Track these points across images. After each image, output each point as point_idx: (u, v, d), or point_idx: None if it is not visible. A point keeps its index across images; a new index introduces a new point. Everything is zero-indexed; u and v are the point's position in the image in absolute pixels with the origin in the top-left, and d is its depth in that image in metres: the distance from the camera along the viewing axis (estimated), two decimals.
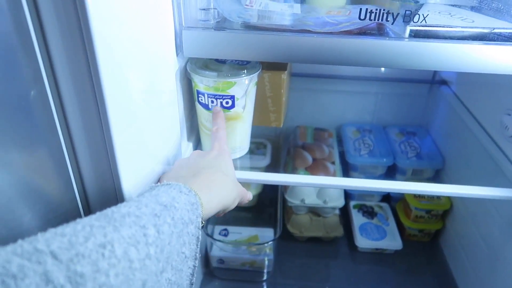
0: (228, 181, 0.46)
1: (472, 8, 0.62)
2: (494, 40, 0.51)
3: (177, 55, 0.54)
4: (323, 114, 1.13)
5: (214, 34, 0.53)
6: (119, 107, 0.36)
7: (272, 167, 1.01)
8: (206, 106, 0.63)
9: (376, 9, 0.50)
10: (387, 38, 0.51)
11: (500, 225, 0.73)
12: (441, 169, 0.98)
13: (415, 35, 0.52)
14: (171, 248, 0.32)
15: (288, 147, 1.05)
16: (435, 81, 1.05)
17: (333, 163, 0.97)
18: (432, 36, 0.52)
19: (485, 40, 0.52)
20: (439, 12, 0.56)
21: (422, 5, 0.60)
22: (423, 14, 0.50)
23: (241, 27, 0.56)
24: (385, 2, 0.69)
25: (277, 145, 1.09)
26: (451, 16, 0.56)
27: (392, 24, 0.51)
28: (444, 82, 1.03)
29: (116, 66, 0.35)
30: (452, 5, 0.63)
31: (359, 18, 0.51)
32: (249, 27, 0.56)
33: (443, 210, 0.94)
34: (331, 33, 0.52)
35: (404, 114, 1.12)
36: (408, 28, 0.52)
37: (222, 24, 0.56)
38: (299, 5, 0.65)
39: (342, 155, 1.01)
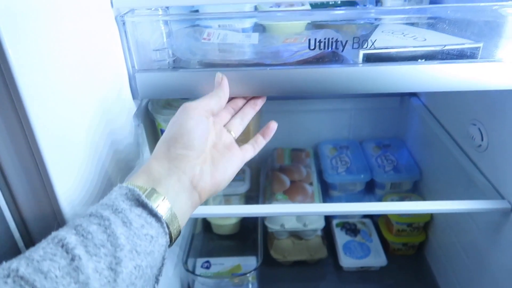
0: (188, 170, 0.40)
1: (429, 26, 0.63)
2: (445, 59, 0.52)
3: (134, 98, 0.54)
4: (299, 134, 1.13)
5: (168, 74, 0.52)
6: (59, 157, 0.35)
7: (252, 192, 1.01)
8: None
9: (325, 39, 0.51)
10: (340, 66, 0.52)
11: (478, 235, 0.73)
12: (419, 181, 0.98)
13: (368, 59, 0.52)
14: None
15: (267, 171, 1.05)
16: (404, 93, 1.07)
17: (311, 184, 0.96)
18: (385, 58, 0.52)
19: (437, 58, 0.53)
20: (392, 33, 0.57)
21: (377, 26, 0.60)
22: (371, 40, 0.51)
23: (198, 65, 0.56)
24: (342, 25, 0.70)
25: (256, 169, 1.08)
26: (404, 35, 0.56)
27: (342, 51, 0.51)
28: (413, 94, 1.04)
29: (51, 115, 0.34)
30: (406, 24, 0.63)
31: (309, 48, 0.51)
32: (205, 64, 0.56)
33: (424, 222, 0.94)
34: (285, 64, 0.52)
35: (379, 128, 1.12)
36: (361, 53, 0.52)
37: (178, 63, 0.56)
38: (257, 34, 0.65)
39: (320, 174, 1.01)
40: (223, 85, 0.47)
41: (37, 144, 0.32)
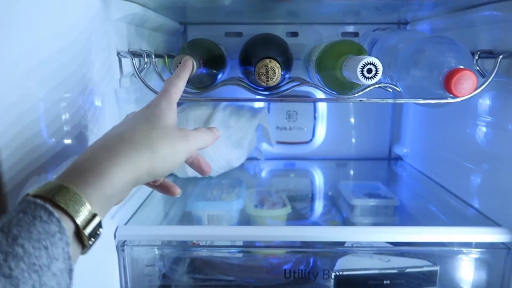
0: (136, 145, 0.35)
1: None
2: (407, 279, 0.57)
3: None
4: None
5: None
6: None
7: None
8: None
9: (298, 269, 0.57)
10: None
11: None
12: None
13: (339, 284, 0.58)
14: None
15: None
16: None
17: None
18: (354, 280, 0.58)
19: (398, 278, 0.59)
20: (361, 256, 0.64)
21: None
22: (338, 271, 0.57)
23: (186, 279, 0.61)
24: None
25: None
26: (371, 257, 0.63)
27: (314, 280, 0.58)
28: None
29: None
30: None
31: (285, 277, 0.58)
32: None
33: None
34: None
35: None
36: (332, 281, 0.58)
37: (167, 280, 0.61)
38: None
39: None
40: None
41: None
